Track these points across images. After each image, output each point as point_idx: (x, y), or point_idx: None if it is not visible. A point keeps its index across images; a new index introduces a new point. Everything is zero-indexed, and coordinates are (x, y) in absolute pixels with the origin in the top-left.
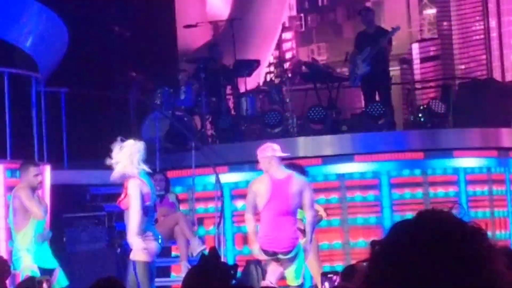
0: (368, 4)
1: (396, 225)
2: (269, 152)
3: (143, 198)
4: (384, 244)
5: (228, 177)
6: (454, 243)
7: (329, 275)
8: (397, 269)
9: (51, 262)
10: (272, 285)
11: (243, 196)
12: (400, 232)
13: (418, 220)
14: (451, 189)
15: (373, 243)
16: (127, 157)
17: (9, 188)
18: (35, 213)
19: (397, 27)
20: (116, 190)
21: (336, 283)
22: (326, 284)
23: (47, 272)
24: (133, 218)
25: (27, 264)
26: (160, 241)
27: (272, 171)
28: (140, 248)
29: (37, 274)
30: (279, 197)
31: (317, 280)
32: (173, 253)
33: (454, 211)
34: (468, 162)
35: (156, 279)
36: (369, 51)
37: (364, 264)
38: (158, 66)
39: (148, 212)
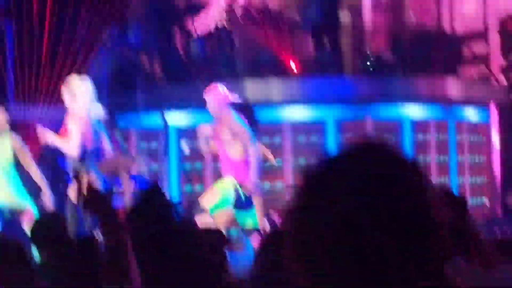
0: None
1: (330, 156)
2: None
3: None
4: (317, 172)
5: (176, 118)
6: (391, 172)
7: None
8: (326, 200)
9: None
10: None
11: (189, 136)
12: (332, 161)
13: (354, 148)
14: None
15: (307, 168)
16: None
17: None
18: None
19: None
20: None
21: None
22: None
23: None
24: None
25: None
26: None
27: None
28: None
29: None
30: None
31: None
32: None
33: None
34: (414, 110)
35: None
36: None
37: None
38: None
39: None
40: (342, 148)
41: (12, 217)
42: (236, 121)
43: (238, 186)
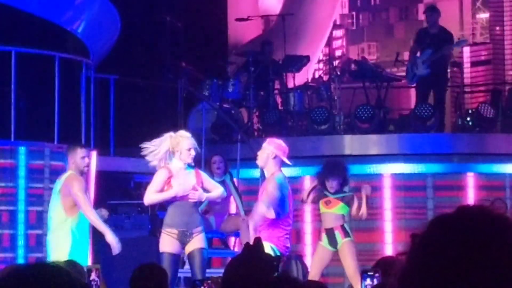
0: (421, 6)
1: (437, 218)
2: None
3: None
4: (424, 237)
5: None
6: (493, 238)
7: (369, 273)
8: (436, 262)
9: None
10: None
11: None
12: (440, 226)
13: (459, 214)
14: (497, 194)
15: (414, 236)
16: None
17: (55, 172)
18: (84, 209)
19: (464, 40)
20: None
21: (377, 281)
22: (365, 282)
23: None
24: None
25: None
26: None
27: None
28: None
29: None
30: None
31: (353, 280)
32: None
33: (495, 206)
34: None
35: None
36: (430, 54)
37: (402, 257)
38: (208, 58)
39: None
40: (453, 212)
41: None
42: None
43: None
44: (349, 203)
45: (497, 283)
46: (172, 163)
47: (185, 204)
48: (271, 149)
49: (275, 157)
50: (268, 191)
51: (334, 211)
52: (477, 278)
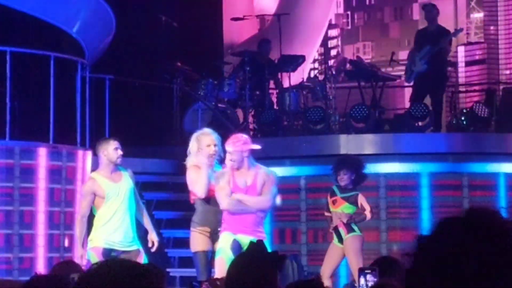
0: (415, 5)
1: (443, 220)
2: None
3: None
4: (430, 239)
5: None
6: (500, 240)
7: (366, 271)
8: (442, 264)
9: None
10: None
11: (282, 190)
12: (447, 227)
13: (466, 216)
14: (491, 194)
15: (420, 238)
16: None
17: (51, 172)
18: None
19: (460, 29)
20: (156, 179)
21: (374, 279)
22: (363, 279)
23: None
24: None
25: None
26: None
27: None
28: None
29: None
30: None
31: (356, 276)
32: None
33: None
34: (509, 167)
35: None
36: (428, 50)
37: (403, 258)
38: (203, 58)
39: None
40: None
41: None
42: None
43: None
44: (354, 203)
45: (507, 284)
46: (200, 161)
47: (213, 201)
48: (239, 150)
49: (247, 153)
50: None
51: (340, 210)
52: (486, 278)
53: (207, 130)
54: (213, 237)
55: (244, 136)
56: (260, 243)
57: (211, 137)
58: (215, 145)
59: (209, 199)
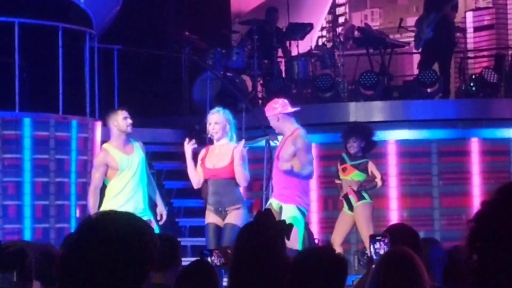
0: None
1: (505, 185)
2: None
3: None
4: (492, 204)
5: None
6: None
7: (377, 238)
8: (505, 226)
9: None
10: None
11: None
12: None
13: None
14: (501, 160)
15: (483, 203)
16: None
17: (59, 142)
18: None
19: None
20: (166, 149)
21: (385, 246)
22: (373, 246)
23: None
24: None
25: None
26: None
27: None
28: None
29: None
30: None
31: (366, 243)
32: None
33: None
34: None
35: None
36: (434, 16)
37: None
38: (211, 27)
39: None
40: None
41: None
42: None
43: None
44: (364, 170)
45: None
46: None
47: (215, 184)
48: (273, 114)
49: (283, 116)
50: (301, 151)
51: (349, 178)
52: None
53: (214, 109)
54: (219, 214)
55: (280, 100)
56: (268, 212)
57: (211, 115)
58: (209, 124)
59: (212, 181)
